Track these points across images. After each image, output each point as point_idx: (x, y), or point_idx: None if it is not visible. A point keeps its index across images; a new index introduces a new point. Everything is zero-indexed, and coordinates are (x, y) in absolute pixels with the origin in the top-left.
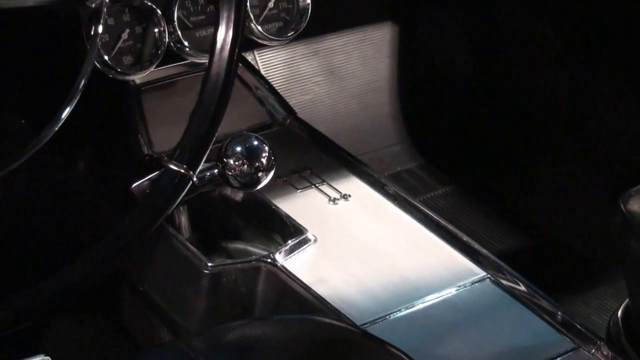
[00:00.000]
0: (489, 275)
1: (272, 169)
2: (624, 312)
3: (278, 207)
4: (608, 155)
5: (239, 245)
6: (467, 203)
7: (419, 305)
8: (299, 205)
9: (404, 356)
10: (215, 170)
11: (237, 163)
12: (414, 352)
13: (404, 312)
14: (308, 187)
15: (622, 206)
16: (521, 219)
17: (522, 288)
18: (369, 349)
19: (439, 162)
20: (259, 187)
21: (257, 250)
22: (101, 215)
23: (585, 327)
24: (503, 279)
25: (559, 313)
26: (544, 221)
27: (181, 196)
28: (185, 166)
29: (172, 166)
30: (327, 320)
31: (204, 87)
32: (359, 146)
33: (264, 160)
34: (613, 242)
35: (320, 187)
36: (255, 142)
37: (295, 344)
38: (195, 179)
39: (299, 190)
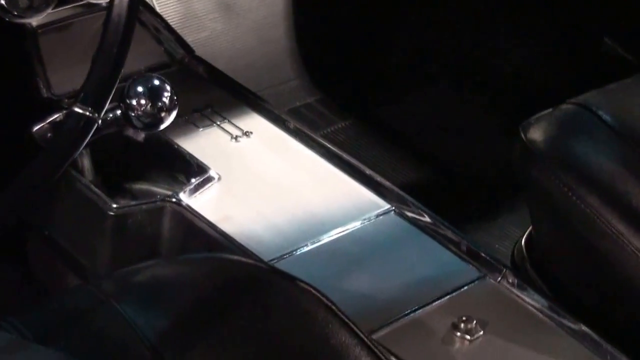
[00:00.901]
0: (393, 208)
1: (174, 109)
2: (527, 239)
3: (180, 147)
4: (507, 85)
5: (143, 186)
6: (368, 136)
7: (325, 240)
8: (201, 144)
9: (313, 290)
10: (118, 112)
11: (139, 104)
12: (321, 286)
13: (310, 247)
14: (210, 125)
15: (522, 135)
16: (423, 151)
17: (427, 219)
18: (278, 285)
19: (337, 96)
20: (162, 127)
21: (161, 191)
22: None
23: (490, 256)
24: (407, 210)
25: (464, 243)
26: (445, 153)
27: (87, 139)
28: (90, 108)
29: (77, 109)
30: (235, 257)
31: (106, 28)
32: (258, 82)
33: (166, 100)
34: (514, 171)
35: (222, 125)
36: (157, 82)
37: (204, 283)
38: (100, 121)
39: (200, 129)
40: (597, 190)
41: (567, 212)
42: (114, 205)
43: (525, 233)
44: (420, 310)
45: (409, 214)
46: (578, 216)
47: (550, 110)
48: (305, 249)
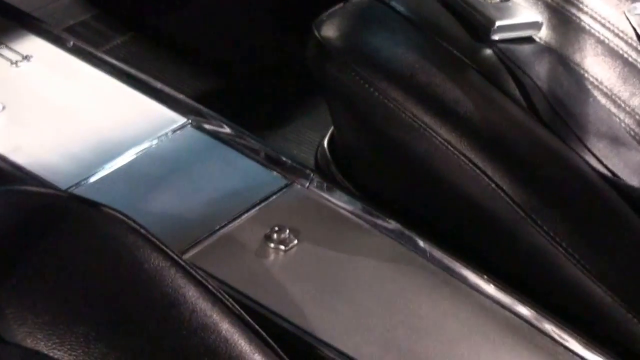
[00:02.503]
0: (189, 121)
1: None
2: (329, 141)
3: None
4: None
5: None
6: (151, 50)
7: (123, 162)
8: None
9: (119, 215)
10: None
11: None
12: (125, 211)
13: (107, 171)
14: None
15: (315, 32)
16: (210, 59)
17: (226, 130)
18: (81, 213)
19: (112, 10)
20: None
21: None
22: None
23: (295, 161)
24: (205, 123)
25: (267, 150)
26: (235, 59)
27: None
28: None
29: None
30: (32, 188)
31: None
32: (28, 2)
33: None
34: (311, 71)
35: None
36: None
37: (3, 219)
38: None
39: None
40: (399, 83)
41: (370, 109)
42: None
43: (327, 134)
44: (230, 225)
45: (207, 126)
46: (382, 111)
47: (342, 4)
48: (103, 172)
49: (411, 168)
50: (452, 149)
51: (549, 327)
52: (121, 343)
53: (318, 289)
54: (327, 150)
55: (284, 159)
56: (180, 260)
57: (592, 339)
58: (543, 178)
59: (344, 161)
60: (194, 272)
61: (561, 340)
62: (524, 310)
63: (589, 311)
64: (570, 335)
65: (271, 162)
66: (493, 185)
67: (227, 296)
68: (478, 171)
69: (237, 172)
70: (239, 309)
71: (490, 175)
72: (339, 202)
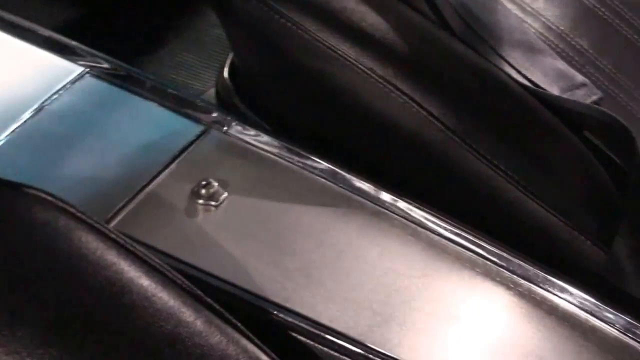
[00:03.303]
0: (87, 70)
1: None
2: (230, 72)
3: None
4: None
5: None
6: None
7: (20, 125)
8: None
9: (42, 194)
10: None
11: None
12: (36, 183)
13: (8, 137)
14: None
15: None
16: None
17: (127, 75)
18: (1, 198)
19: None
20: None
21: None
22: None
23: (207, 102)
24: (103, 70)
25: (175, 93)
26: None
27: None
28: None
29: None
30: None
31: None
32: None
33: None
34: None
35: None
36: None
37: None
38: None
39: None
40: (312, 12)
41: (284, 41)
42: None
43: (225, 66)
44: (152, 184)
45: (106, 74)
46: (297, 43)
47: None
48: (2, 139)
49: (333, 100)
50: (376, 77)
51: (498, 254)
52: (74, 343)
53: (259, 244)
54: (228, 82)
55: (196, 101)
56: (118, 239)
57: (540, 261)
58: (472, 99)
59: (249, 94)
60: (134, 250)
61: (513, 268)
62: (472, 241)
63: (536, 233)
64: (518, 258)
65: (182, 106)
66: (424, 112)
67: (170, 269)
68: (406, 98)
69: (149, 122)
70: (189, 284)
71: (419, 102)
72: (264, 145)
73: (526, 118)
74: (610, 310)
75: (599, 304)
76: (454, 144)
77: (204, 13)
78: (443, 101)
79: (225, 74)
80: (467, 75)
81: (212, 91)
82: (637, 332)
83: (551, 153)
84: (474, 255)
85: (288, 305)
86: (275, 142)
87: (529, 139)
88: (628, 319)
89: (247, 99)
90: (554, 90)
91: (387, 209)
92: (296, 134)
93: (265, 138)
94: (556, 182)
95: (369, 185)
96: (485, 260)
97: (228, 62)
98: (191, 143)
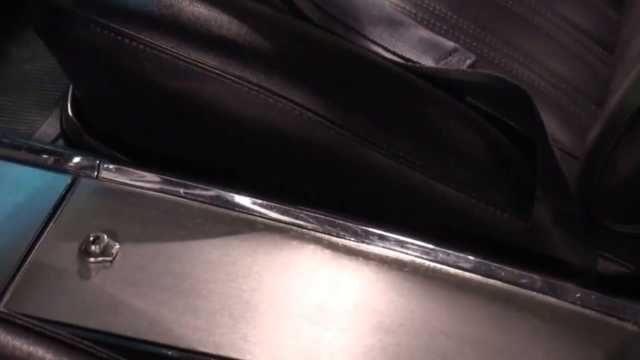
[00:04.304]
0: None
1: None
2: (72, 104)
3: None
4: None
5: None
6: None
7: None
8: None
9: None
10: None
11: None
12: None
13: None
14: None
15: None
16: None
17: None
18: None
19: None
20: None
21: None
22: None
23: (65, 148)
24: None
25: (32, 146)
26: None
27: None
28: None
29: None
30: None
31: None
32: None
33: None
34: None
35: None
36: None
37: None
38: None
39: None
40: (165, 28)
41: (140, 67)
42: None
43: (67, 101)
44: (34, 252)
45: None
46: (154, 66)
47: None
48: None
49: (203, 119)
50: (248, 85)
51: (416, 246)
52: None
53: (169, 292)
54: (74, 119)
55: (56, 150)
56: (15, 320)
57: (459, 240)
58: (351, 88)
59: (101, 129)
60: (34, 327)
61: (434, 255)
62: (387, 237)
63: (449, 214)
64: (437, 244)
65: (38, 157)
66: (308, 113)
67: (78, 339)
68: (285, 101)
69: (12, 184)
70: (108, 351)
71: (300, 103)
72: (143, 182)
73: (409, 97)
74: (527, 274)
75: (514, 270)
76: (346, 140)
77: (5, 52)
78: (323, 97)
79: (69, 111)
80: (340, 64)
81: (41, 132)
82: (557, 290)
83: (444, 129)
84: (392, 251)
85: (222, 353)
86: (156, 177)
87: (417, 118)
88: (547, 279)
89: (100, 135)
90: (427, 61)
91: (286, 223)
92: (167, 163)
93: (144, 175)
94: (457, 157)
95: (266, 202)
96: (408, 255)
97: (69, 97)
98: (63, 197)
